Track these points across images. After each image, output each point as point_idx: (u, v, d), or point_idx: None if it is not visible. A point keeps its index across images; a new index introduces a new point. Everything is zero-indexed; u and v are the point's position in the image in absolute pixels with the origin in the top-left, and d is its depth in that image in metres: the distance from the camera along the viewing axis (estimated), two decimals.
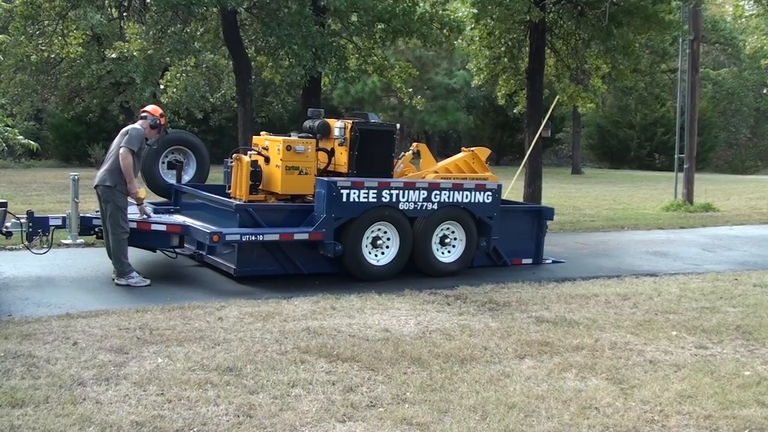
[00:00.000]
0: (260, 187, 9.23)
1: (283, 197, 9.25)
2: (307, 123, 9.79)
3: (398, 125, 10.23)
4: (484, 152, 10.94)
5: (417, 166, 10.70)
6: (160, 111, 8.76)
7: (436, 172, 10.32)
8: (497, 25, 16.27)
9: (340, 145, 9.46)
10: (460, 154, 10.88)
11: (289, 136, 9.41)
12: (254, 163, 9.17)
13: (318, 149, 9.46)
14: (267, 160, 9.25)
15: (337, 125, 9.46)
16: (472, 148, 10.96)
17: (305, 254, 8.91)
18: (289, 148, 9.02)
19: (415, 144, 10.88)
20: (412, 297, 8.16)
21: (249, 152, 9.42)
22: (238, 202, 8.91)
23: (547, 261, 10.90)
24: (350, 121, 9.46)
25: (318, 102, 18.00)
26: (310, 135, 9.51)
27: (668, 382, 5.63)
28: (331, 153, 9.61)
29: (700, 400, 5.24)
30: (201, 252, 9.02)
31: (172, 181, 10.50)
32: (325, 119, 9.74)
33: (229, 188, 9.58)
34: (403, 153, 10.75)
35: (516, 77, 17.99)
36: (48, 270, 8.87)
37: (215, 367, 5.47)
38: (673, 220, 16.94)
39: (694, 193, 19.75)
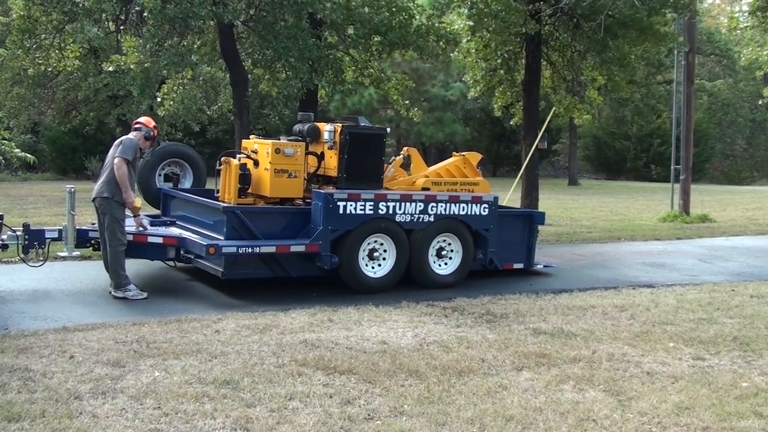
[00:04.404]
0: (249, 190, 9.17)
1: (271, 200, 9.21)
2: (297, 126, 9.74)
3: (388, 129, 10.20)
4: (475, 157, 10.95)
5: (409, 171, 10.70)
6: (153, 122, 8.76)
7: (426, 176, 10.33)
8: (493, 38, 16.36)
9: (330, 148, 9.39)
10: (451, 159, 10.88)
11: (279, 139, 9.41)
12: (243, 167, 9.12)
13: (308, 153, 9.42)
14: (256, 163, 9.22)
15: (326, 129, 9.39)
16: (464, 153, 10.97)
17: (295, 258, 8.86)
18: (278, 151, 8.97)
19: (405, 148, 10.85)
20: (410, 309, 8.15)
21: (238, 155, 9.40)
22: (226, 205, 8.86)
23: (539, 266, 10.91)
24: (340, 125, 9.41)
25: (315, 114, 18.03)
26: (300, 138, 9.50)
27: (666, 393, 5.63)
28: (321, 157, 9.54)
29: (697, 412, 5.23)
30: (189, 256, 8.98)
31: None
32: (315, 123, 9.70)
33: (218, 192, 9.57)
34: (393, 157, 10.75)
35: (512, 89, 18.07)
36: (44, 283, 8.85)
37: (212, 380, 5.46)
38: (670, 231, 16.95)
39: (690, 204, 19.77)
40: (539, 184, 17.69)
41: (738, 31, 27.53)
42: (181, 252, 8.94)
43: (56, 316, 7.37)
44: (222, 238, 8.55)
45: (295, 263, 8.89)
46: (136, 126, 8.65)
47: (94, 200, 8.35)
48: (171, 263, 9.63)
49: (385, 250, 9.16)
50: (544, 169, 40.62)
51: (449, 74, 34.14)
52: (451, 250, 9.68)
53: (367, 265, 9.07)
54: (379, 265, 9.16)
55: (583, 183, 38.96)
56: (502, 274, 10.39)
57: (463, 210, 9.58)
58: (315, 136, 9.54)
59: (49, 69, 20.44)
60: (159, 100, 20.09)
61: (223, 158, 9.38)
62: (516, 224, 10.65)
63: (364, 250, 9.01)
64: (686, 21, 19.06)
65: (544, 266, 11.04)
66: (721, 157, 50.06)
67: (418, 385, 5.58)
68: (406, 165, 10.69)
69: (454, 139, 37.30)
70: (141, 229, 8.75)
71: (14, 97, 24.79)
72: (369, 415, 4.98)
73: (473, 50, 17.53)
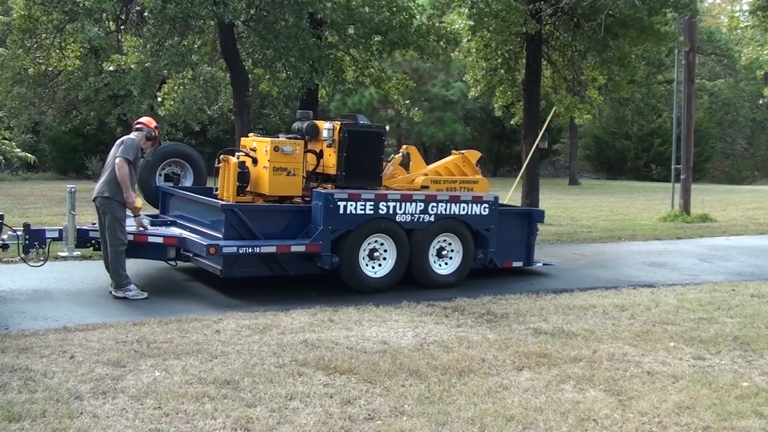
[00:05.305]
0: (248, 188, 9.14)
1: (270, 199, 9.18)
2: (296, 124, 9.72)
3: (387, 127, 10.20)
4: (474, 155, 10.93)
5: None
6: (154, 123, 8.77)
7: (425, 174, 10.32)
8: (494, 37, 16.36)
9: (329, 146, 9.36)
10: (451, 157, 10.87)
11: (278, 137, 9.40)
12: (242, 164, 9.09)
13: (306, 151, 9.40)
14: (255, 161, 9.20)
15: (325, 126, 9.36)
16: (463, 151, 10.95)
17: (294, 258, 8.82)
18: (276, 149, 8.94)
19: (405, 147, 10.84)
20: (410, 309, 8.15)
21: (237, 153, 9.38)
22: (224, 203, 8.84)
23: (538, 264, 10.90)
24: (339, 123, 9.38)
25: (315, 114, 18.03)
26: (299, 136, 9.48)
27: (666, 393, 5.62)
28: (319, 155, 9.50)
29: (698, 412, 5.23)
30: (188, 254, 8.98)
31: None
32: (314, 121, 9.68)
33: (217, 190, 9.54)
34: (393, 155, 10.73)
35: (513, 89, 18.08)
36: (45, 283, 8.85)
37: (212, 380, 5.46)
38: (671, 231, 16.95)
39: (691, 204, 19.77)
40: (540, 184, 17.69)
41: (738, 31, 27.57)
42: (181, 251, 8.94)
43: (57, 316, 7.37)
44: (221, 236, 8.54)
45: (295, 263, 8.87)
46: (138, 126, 8.65)
47: (94, 200, 8.36)
48: (172, 263, 9.63)
49: (385, 250, 9.16)
50: (544, 169, 40.64)
51: (450, 74, 34.14)
52: (452, 250, 9.67)
53: (367, 265, 9.07)
54: (380, 265, 9.15)
55: (584, 183, 38.95)
56: (503, 274, 10.40)
57: (464, 210, 9.57)
58: (314, 134, 9.51)
59: (50, 69, 20.46)
60: (159, 99, 20.09)
61: (221, 156, 9.37)
62: (515, 222, 10.63)
63: (364, 250, 9.01)
64: (687, 20, 19.05)
65: (544, 264, 11.05)
66: (722, 157, 50.05)
67: (418, 385, 5.58)
68: (405, 163, 10.68)
69: (454, 139, 37.31)
70: (141, 229, 8.75)
71: (15, 96, 24.79)
72: (369, 415, 4.98)
73: (473, 50, 17.54)
